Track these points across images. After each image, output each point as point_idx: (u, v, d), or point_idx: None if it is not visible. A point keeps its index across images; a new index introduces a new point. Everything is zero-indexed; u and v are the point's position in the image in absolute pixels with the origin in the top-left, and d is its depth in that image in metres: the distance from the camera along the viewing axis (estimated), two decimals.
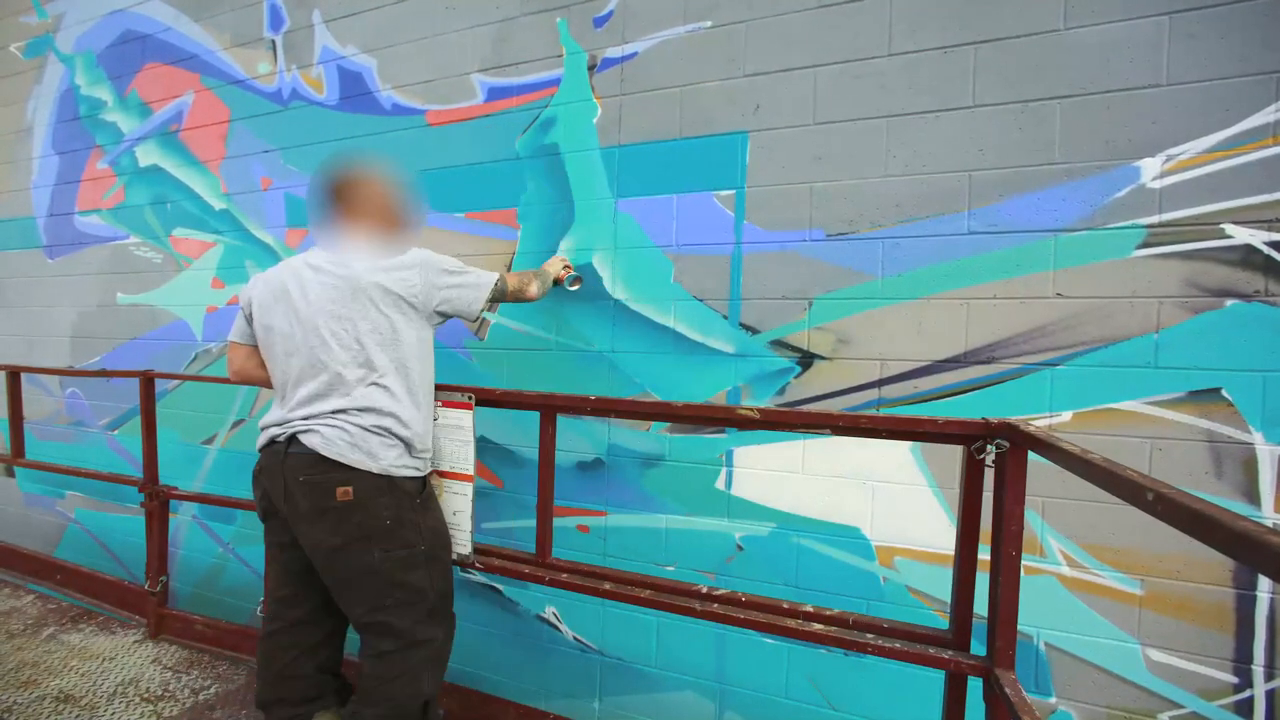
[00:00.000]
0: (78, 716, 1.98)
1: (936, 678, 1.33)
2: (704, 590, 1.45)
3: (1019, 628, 1.13)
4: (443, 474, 1.63)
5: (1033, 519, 1.48)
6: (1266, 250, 1.31)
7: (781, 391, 1.70)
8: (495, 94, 2.05)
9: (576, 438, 1.94)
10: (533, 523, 1.65)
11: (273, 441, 1.45)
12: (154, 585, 2.49)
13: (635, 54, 1.86)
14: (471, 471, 1.61)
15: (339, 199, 1.49)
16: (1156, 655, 1.41)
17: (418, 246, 1.54)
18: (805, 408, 1.67)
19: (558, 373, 1.95)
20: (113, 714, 2.00)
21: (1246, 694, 1.35)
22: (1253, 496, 1.34)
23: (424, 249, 1.53)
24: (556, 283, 1.82)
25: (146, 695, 2.11)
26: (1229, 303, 1.34)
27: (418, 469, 1.49)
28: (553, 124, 1.96)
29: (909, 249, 1.57)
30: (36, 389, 3.17)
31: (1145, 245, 1.39)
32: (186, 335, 2.70)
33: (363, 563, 1.39)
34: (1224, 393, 1.35)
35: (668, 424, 1.83)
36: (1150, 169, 1.38)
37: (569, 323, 1.94)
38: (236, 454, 2.58)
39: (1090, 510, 1.44)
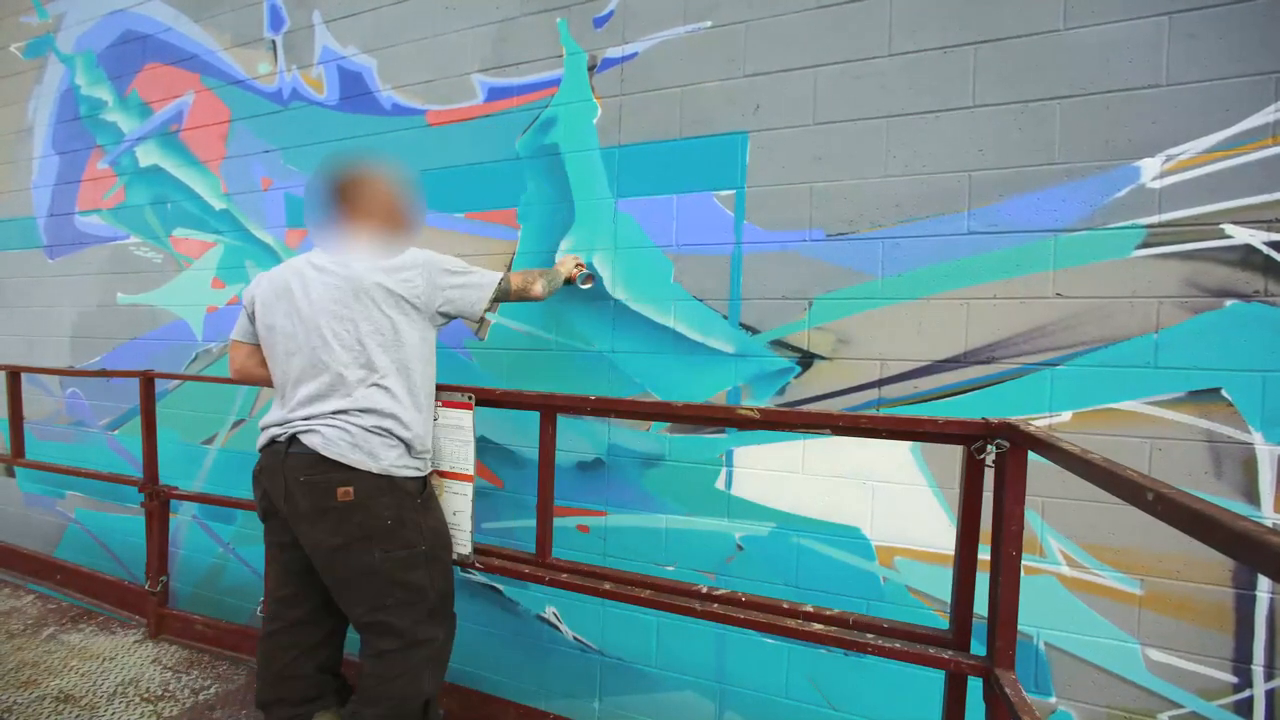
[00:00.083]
0: (78, 716, 1.98)
1: (936, 678, 1.33)
2: (704, 590, 1.45)
3: (1019, 628, 1.13)
4: (443, 474, 1.63)
5: (1033, 519, 1.48)
6: (1266, 250, 1.31)
7: (781, 391, 1.70)
8: (495, 94, 2.05)
9: (576, 438, 1.94)
10: (533, 523, 1.65)
11: (273, 441, 1.45)
12: (154, 585, 2.49)
13: (635, 54, 1.86)
14: (471, 471, 1.61)
15: (342, 198, 1.49)
16: (1156, 655, 1.41)
17: (417, 246, 1.54)
18: (805, 408, 1.67)
19: (558, 373, 1.95)
20: (113, 714, 2.00)
21: (1246, 694, 1.35)
22: (1253, 496, 1.34)
23: (426, 249, 1.52)
24: (568, 281, 1.81)
25: (146, 695, 2.11)
26: (1229, 303, 1.34)
27: (418, 469, 1.49)
28: (553, 124, 1.97)
29: (909, 249, 1.57)
30: (36, 389, 3.17)
31: (1145, 245, 1.39)
32: (186, 335, 2.70)
33: (363, 563, 1.39)
34: (1224, 393, 1.35)
35: (668, 424, 1.83)
36: (1150, 169, 1.38)
37: (569, 323, 1.94)
38: (236, 454, 2.58)
39: (1090, 510, 1.44)
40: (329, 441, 1.38)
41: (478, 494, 1.82)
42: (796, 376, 1.69)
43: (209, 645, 2.42)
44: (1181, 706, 1.39)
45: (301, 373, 1.44)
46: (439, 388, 1.61)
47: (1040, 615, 1.48)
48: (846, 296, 1.64)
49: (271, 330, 1.48)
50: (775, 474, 1.72)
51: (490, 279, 1.54)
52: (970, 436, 1.18)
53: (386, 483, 1.41)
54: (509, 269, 1.67)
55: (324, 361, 1.41)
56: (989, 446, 1.16)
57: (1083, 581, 1.46)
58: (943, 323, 1.55)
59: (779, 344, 1.71)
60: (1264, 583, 1.34)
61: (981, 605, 1.18)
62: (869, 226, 1.61)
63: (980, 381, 1.52)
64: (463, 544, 1.62)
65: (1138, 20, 1.38)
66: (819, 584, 1.68)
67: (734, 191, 1.75)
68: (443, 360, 1.61)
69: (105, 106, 2.93)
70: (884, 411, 1.60)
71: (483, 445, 2.05)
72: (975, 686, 1.19)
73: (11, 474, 3.30)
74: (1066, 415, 1.46)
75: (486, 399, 1.62)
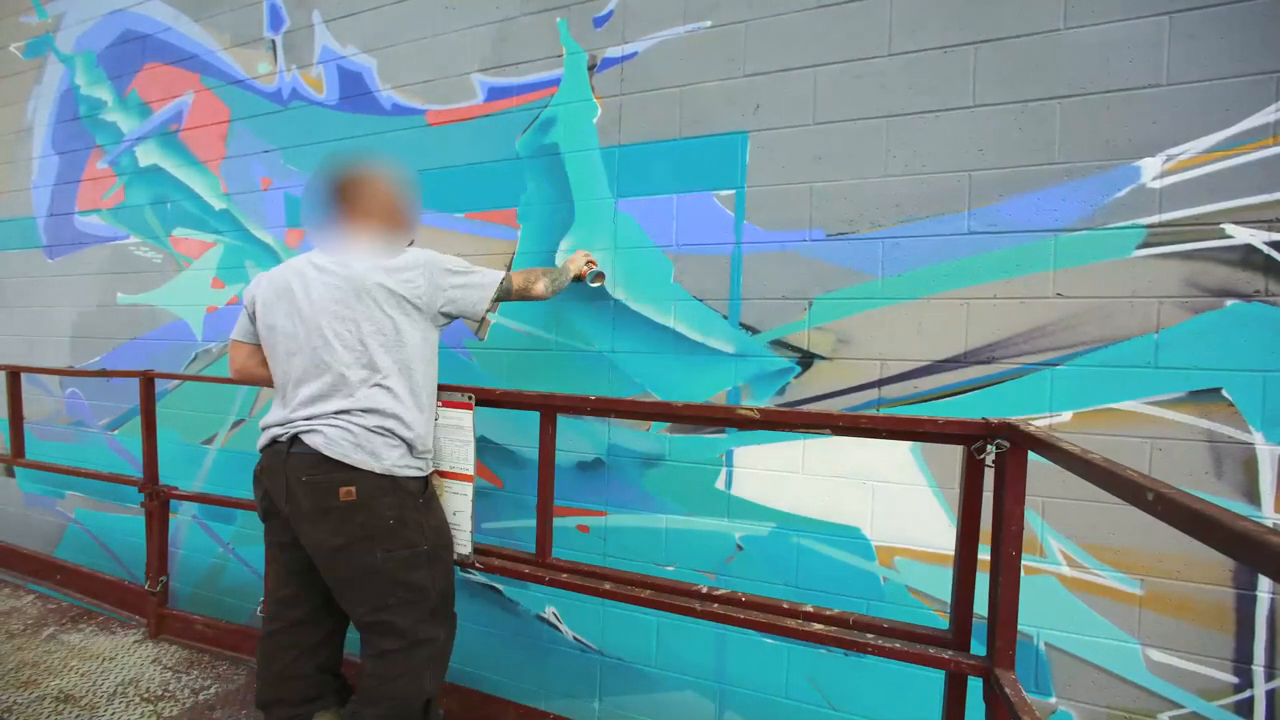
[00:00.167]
0: (78, 716, 1.98)
1: (936, 678, 1.33)
2: (704, 590, 1.45)
3: (1019, 628, 1.13)
4: (443, 474, 1.63)
5: (1033, 519, 1.48)
6: (1266, 250, 1.31)
7: (781, 391, 1.70)
8: (495, 94, 2.05)
9: (576, 438, 1.94)
10: (533, 523, 1.65)
11: (274, 441, 1.45)
12: (154, 585, 2.49)
13: (635, 54, 1.86)
14: (471, 471, 1.61)
15: (341, 198, 1.49)
16: (1156, 655, 1.41)
17: (418, 246, 1.53)
18: (805, 408, 1.67)
19: (558, 373, 1.95)
20: (113, 714, 2.00)
21: (1246, 694, 1.35)
22: (1253, 496, 1.34)
23: (427, 249, 1.52)
24: (578, 279, 1.79)
25: (146, 695, 2.11)
26: (1229, 303, 1.34)
27: (420, 469, 1.49)
28: (553, 124, 1.96)
29: (909, 249, 1.57)
30: (36, 389, 3.17)
31: (1145, 245, 1.39)
32: (186, 335, 2.70)
33: (365, 562, 1.39)
34: (1224, 393, 1.35)
35: (668, 424, 1.83)
36: (1150, 169, 1.38)
37: (569, 323, 1.94)
38: (236, 454, 2.58)
39: (1090, 510, 1.44)
40: (331, 441, 1.38)
41: (478, 494, 1.82)
42: (796, 376, 1.69)
43: (209, 645, 2.42)
44: (1182, 707, 1.39)
45: (303, 373, 1.43)
46: (439, 388, 1.60)
47: (1040, 615, 1.48)
48: (846, 296, 1.64)
49: (272, 330, 1.48)
50: (775, 474, 1.72)
51: (492, 278, 1.54)
52: (970, 436, 1.18)
53: (389, 483, 1.41)
54: (509, 269, 1.66)
55: (326, 362, 1.41)
56: (989, 446, 1.15)
57: (1083, 581, 1.46)
58: (943, 323, 1.55)
59: (779, 344, 1.71)
60: (1264, 583, 1.34)
61: (981, 605, 1.18)
62: (869, 226, 1.61)
63: (980, 381, 1.52)
64: (463, 544, 1.62)
65: (1138, 20, 1.38)
66: (819, 584, 1.68)
67: (734, 191, 1.75)
68: (443, 360, 1.61)
69: (105, 106, 2.93)
70: (884, 411, 1.60)
71: (483, 445, 2.05)
72: (975, 686, 1.19)
73: (11, 474, 3.30)
74: (1066, 415, 1.46)
75: (486, 399, 1.62)
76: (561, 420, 1.85)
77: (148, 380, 2.41)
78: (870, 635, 1.28)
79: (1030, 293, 1.48)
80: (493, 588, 2.08)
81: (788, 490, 1.71)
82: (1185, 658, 1.39)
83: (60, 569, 2.97)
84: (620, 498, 1.90)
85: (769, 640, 1.72)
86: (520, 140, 2.01)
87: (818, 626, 1.31)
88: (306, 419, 1.41)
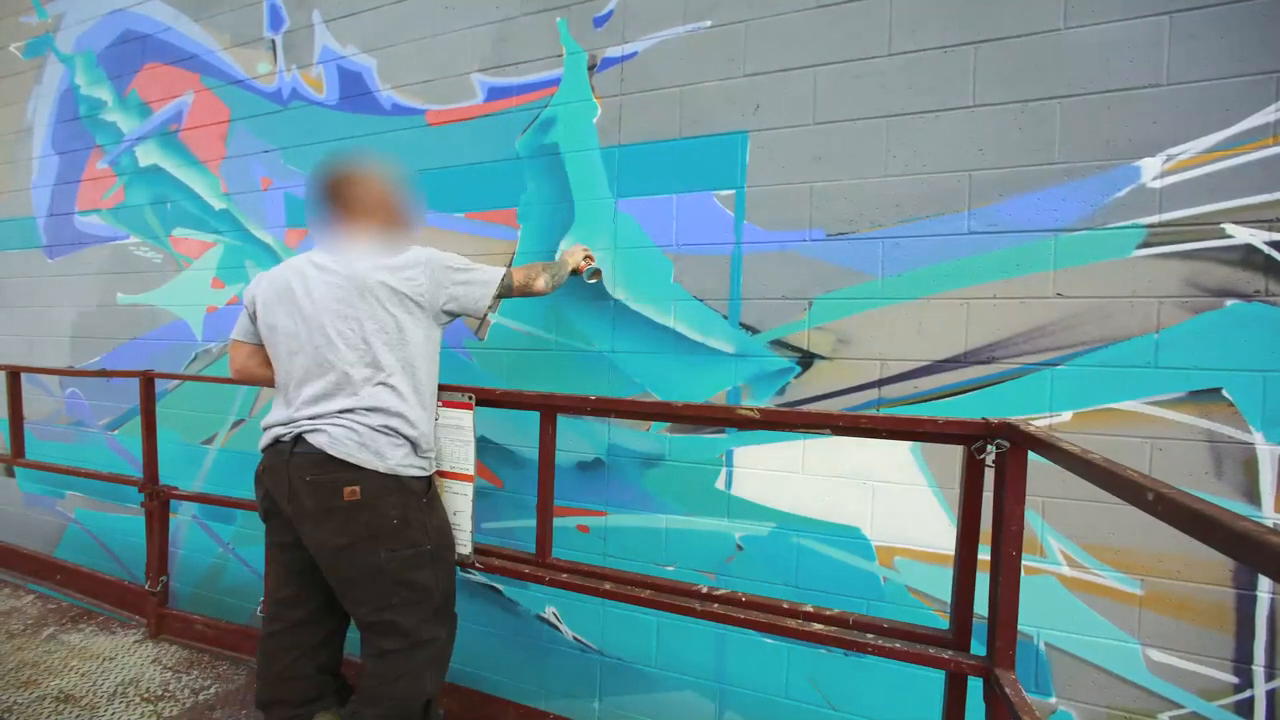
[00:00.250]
0: (78, 716, 1.98)
1: (936, 678, 1.33)
2: (704, 590, 1.45)
3: (1019, 628, 1.13)
4: (443, 474, 1.63)
5: (1033, 519, 1.48)
6: (1266, 250, 1.31)
7: (781, 391, 1.70)
8: (495, 94, 2.05)
9: (576, 438, 1.94)
10: (533, 523, 1.65)
11: (277, 441, 1.45)
12: (154, 585, 2.49)
13: (635, 54, 1.86)
14: (471, 471, 1.61)
15: (337, 199, 1.49)
16: (1156, 655, 1.41)
17: (418, 245, 1.53)
18: (805, 408, 1.67)
19: (558, 373, 1.95)
20: (113, 714, 2.00)
21: (1246, 694, 1.35)
22: (1253, 496, 1.34)
23: (428, 247, 1.52)
24: (575, 273, 1.79)
25: (146, 695, 2.11)
26: (1229, 303, 1.34)
27: (424, 468, 1.49)
28: (553, 124, 1.96)
29: (909, 249, 1.57)
30: (36, 389, 3.17)
31: (1145, 245, 1.39)
32: (186, 335, 2.70)
33: (369, 562, 1.39)
34: (1224, 393, 1.35)
35: (668, 424, 1.83)
36: (1150, 169, 1.38)
37: (569, 323, 1.94)
38: (236, 454, 2.58)
39: (1090, 510, 1.44)
40: (336, 441, 1.37)
41: (478, 494, 1.82)
42: (796, 376, 1.69)
43: (209, 645, 2.42)
44: (1182, 707, 1.39)
45: (306, 372, 1.43)
46: (439, 387, 1.60)
47: (1040, 615, 1.48)
48: (846, 296, 1.64)
49: (274, 330, 1.48)
50: (775, 474, 1.72)
51: (494, 275, 1.54)
52: (970, 436, 1.18)
53: (393, 482, 1.41)
54: (510, 265, 1.67)
55: (329, 360, 1.41)
56: (989, 446, 1.15)
57: (1083, 581, 1.46)
58: (943, 323, 1.55)
59: (779, 344, 1.71)
60: (1264, 583, 1.34)
61: (981, 605, 1.18)
62: (869, 226, 1.61)
63: (980, 381, 1.52)
64: (463, 544, 1.62)
65: (1138, 20, 1.38)
66: (819, 584, 1.68)
67: (734, 191, 1.75)
68: (443, 360, 1.60)
69: (105, 106, 2.93)
70: (884, 411, 1.60)
71: (483, 445, 2.05)
72: (975, 686, 1.19)
73: (11, 474, 3.30)
74: (1066, 415, 1.46)
75: (486, 399, 1.62)
76: (561, 420, 1.85)
77: (148, 380, 2.41)
78: (870, 635, 1.28)
79: (1030, 293, 1.48)
80: (493, 588, 2.08)
81: (788, 490, 1.71)
82: (1185, 658, 1.39)
83: (60, 569, 2.97)
84: (620, 498, 1.90)
85: (769, 640, 1.72)
86: (520, 140, 2.01)
87: (818, 626, 1.31)
88: (310, 418, 1.41)
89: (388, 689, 1.41)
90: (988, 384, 1.52)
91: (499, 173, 2.04)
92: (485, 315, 1.54)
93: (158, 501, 2.47)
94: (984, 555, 1.18)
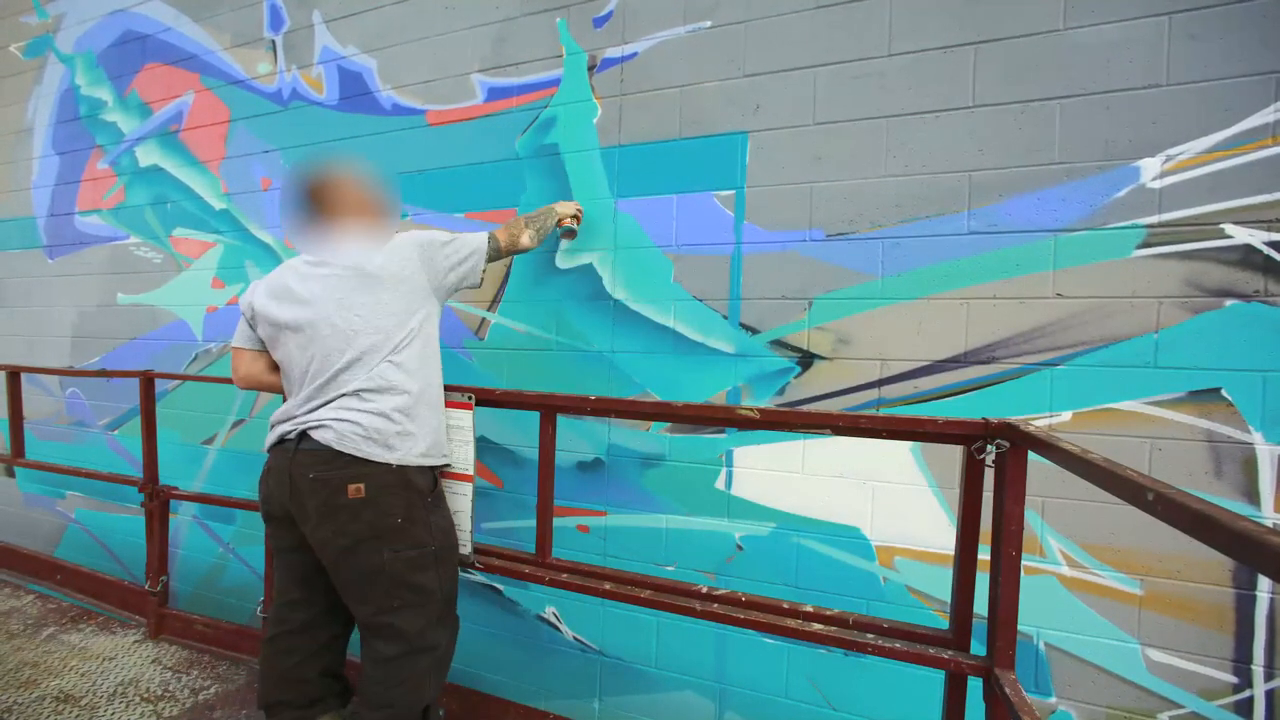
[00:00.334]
0: (78, 716, 1.98)
1: (936, 678, 1.33)
2: (704, 590, 1.45)
3: (1019, 628, 1.13)
4: (443, 474, 1.63)
5: (1033, 519, 1.48)
6: (1266, 250, 1.31)
7: (781, 391, 1.70)
8: (495, 94, 2.05)
9: (576, 438, 1.94)
10: (533, 523, 1.65)
11: (282, 440, 1.45)
12: (154, 585, 2.49)
13: (635, 54, 1.86)
14: (471, 471, 1.61)
15: (318, 202, 1.47)
16: (1156, 655, 1.41)
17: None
18: (805, 408, 1.67)
19: (558, 373, 1.95)
20: (113, 714, 2.00)
21: (1246, 694, 1.35)
22: (1253, 496, 1.34)
23: (411, 230, 1.54)
24: (557, 225, 1.82)
25: (146, 695, 2.11)
26: (1229, 303, 1.34)
27: (431, 461, 1.48)
28: (553, 124, 1.97)
29: (909, 249, 1.57)
30: (36, 389, 3.17)
31: (1145, 245, 1.39)
32: (186, 335, 2.70)
33: (371, 563, 1.39)
34: (1224, 393, 1.35)
35: (668, 424, 1.83)
36: (1150, 169, 1.38)
37: (569, 323, 1.94)
38: (236, 454, 2.58)
39: (1090, 510, 1.44)
40: (342, 437, 1.37)
41: (478, 494, 1.82)
42: (796, 376, 1.69)
43: (209, 645, 2.42)
44: (1182, 707, 1.39)
45: (311, 363, 1.43)
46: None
47: (1040, 615, 1.48)
48: (846, 296, 1.64)
49: (277, 327, 1.48)
50: (775, 474, 1.72)
51: (479, 243, 1.58)
52: (970, 436, 1.18)
53: (398, 480, 1.40)
54: (490, 234, 1.67)
55: (335, 351, 1.41)
56: (989, 446, 1.15)
57: (1083, 581, 1.46)
58: (943, 323, 1.55)
59: (779, 344, 1.71)
60: (1264, 583, 1.34)
61: (981, 605, 1.18)
62: (869, 226, 1.61)
63: (980, 381, 1.52)
64: (463, 544, 1.62)
65: (1138, 20, 1.38)
66: (819, 584, 1.68)
67: (734, 191, 1.75)
68: (443, 360, 1.60)
69: (105, 106, 2.93)
70: (884, 411, 1.60)
71: (483, 445, 2.05)
72: (975, 686, 1.19)
73: (11, 474, 3.30)
74: (1066, 415, 1.46)
75: (486, 399, 1.62)
76: (561, 420, 1.85)
77: (148, 380, 2.41)
78: (870, 635, 1.28)
79: (1030, 293, 1.48)
80: (493, 588, 2.08)
81: (788, 490, 1.71)
82: (1185, 658, 1.39)
83: (60, 569, 2.97)
84: (620, 498, 1.90)
85: (769, 640, 1.72)
86: (520, 140, 2.01)
87: (818, 626, 1.31)
88: (314, 414, 1.40)
89: (389, 694, 1.41)
90: (988, 384, 1.52)
91: (499, 173, 2.04)
92: (482, 280, 1.61)
93: (158, 501, 2.47)
94: (984, 555, 1.18)
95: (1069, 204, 1.44)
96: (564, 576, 1.55)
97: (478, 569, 1.62)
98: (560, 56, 1.95)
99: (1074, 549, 1.46)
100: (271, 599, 1.64)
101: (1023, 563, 1.13)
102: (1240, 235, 1.32)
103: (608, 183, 1.89)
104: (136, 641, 2.48)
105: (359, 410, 1.39)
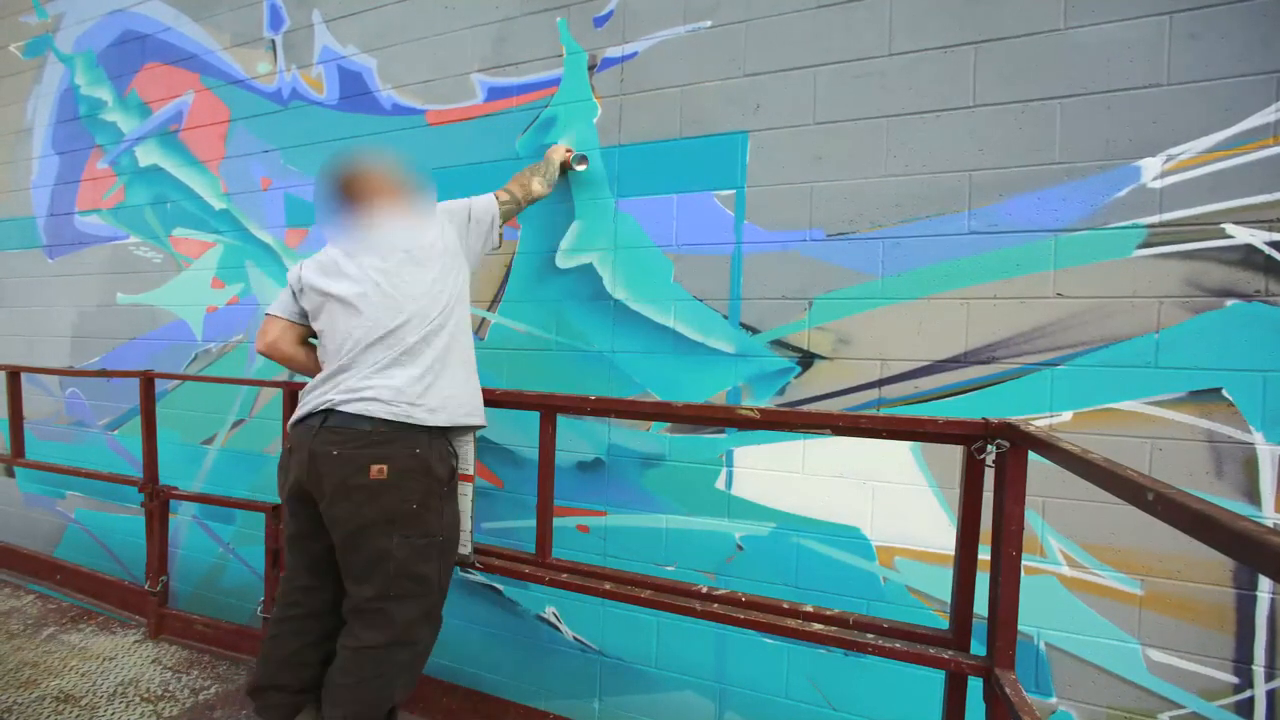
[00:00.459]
0: (78, 716, 1.98)
1: (936, 678, 1.33)
2: (704, 590, 1.45)
3: (1019, 628, 1.13)
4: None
5: (1033, 519, 1.48)
6: (1267, 250, 1.31)
7: (781, 391, 1.70)
8: (495, 94, 2.05)
9: (576, 438, 1.94)
10: (533, 523, 1.65)
11: (308, 417, 1.46)
12: (154, 585, 2.48)
13: (635, 54, 1.86)
14: (471, 471, 1.61)
15: (353, 195, 1.53)
16: (1156, 655, 1.41)
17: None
18: (805, 408, 1.67)
19: (558, 373, 1.95)
20: (113, 714, 2.00)
21: (1246, 694, 1.35)
22: (1253, 496, 1.34)
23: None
24: (565, 168, 1.86)
25: (146, 695, 2.11)
26: (1229, 302, 1.34)
27: (475, 420, 1.53)
28: (553, 124, 1.96)
29: (909, 249, 1.57)
30: (36, 389, 3.17)
31: (1145, 245, 1.39)
32: (186, 335, 2.70)
33: (382, 545, 1.39)
34: (1224, 393, 1.35)
35: (668, 424, 1.83)
36: (1150, 169, 1.38)
37: (569, 323, 1.94)
38: (236, 454, 2.58)
39: (1090, 510, 1.44)
40: (388, 404, 1.40)
41: (478, 494, 1.82)
42: (796, 376, 1.69)
43: (209, 645, 2.41)
44: (1182, 707, 1.39)
45: (354, 332, 1.45)
46: None
47: (1040, 615, 1.48)
48: (846, 296, 1.64)
49: (325, 297, 1.50)
50: (775, 474, 1.72)
51: (491, 205, 1.67)
52: (970, 436, 1.18)
53: (420, 465, 1.41)
54: (495, 195, 1.72)
55: (383, 318, 1.44)
56: (989, 446, 1.15)
57: (1083, 581, 1.46)
58: (943, 323, 1.55)
59: (779, 344, 1.71)
60: (1264, 583, 1.34)
61: (981, 605, 1.18)
62: (869, 226, 1.61)
63: (980, 381, 1.52)
64: (463, 544, 1.62)
65: (1138, 20, 1.38)
66: (819, 584, 1.68)
67: (734, 191, 1.75)
68: None
69: (105, 106, 2.93)
70: (884, 411, 1.60)
71: (483, 445, 2.05)
72: (975, 686, 1.19)
73: (11, 474, 3.30)
74: (1067, 415, 1.45)
75: (487, 399, 1.62)
76: (561, 420, 1.85)
77: (148, 380, 2.41)
78: (870, 635, 1.28)
79: (1030, 293, 1.48)
80: (493, 588, 2.08)
81: (788, 490, 1.71)
82: (1185, 658, 1.39)
83: (60, 569, 2.97)
84: (620, 498, 1.90)
85: (769, 640, 1.72)
86: (520, 140, 2.01)
87: (818, 626, 1.31)
88: (356, 386, 1.42)
89: (355, 691, 1.41)
90: (988, 384, 1.52)
91: (499, 173, 2.03)
92: (500, 241, 1.72)
93: (158, 501, 2.47)
94: (984, 555, 1.18)
95: (1069, 204, 1.44)
96: (564, 576, 1.55)
97: (478, 569, 1.63)
98: (560, 56, 1.95)
99: (1074, 549, 1.46)
100: (274, 596, 1.64)
101: (1023, 563, 1.13)
102: (1241, 235, 1.32)
103: (608, 182, 1.89)
104: (136, 641, 2.48)
105: (405, 375, 1.42)
